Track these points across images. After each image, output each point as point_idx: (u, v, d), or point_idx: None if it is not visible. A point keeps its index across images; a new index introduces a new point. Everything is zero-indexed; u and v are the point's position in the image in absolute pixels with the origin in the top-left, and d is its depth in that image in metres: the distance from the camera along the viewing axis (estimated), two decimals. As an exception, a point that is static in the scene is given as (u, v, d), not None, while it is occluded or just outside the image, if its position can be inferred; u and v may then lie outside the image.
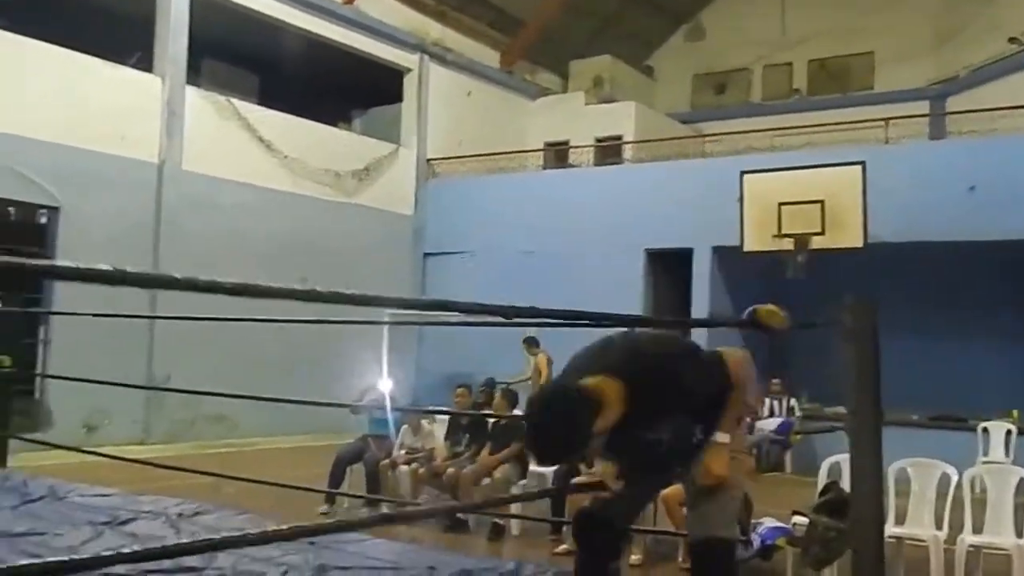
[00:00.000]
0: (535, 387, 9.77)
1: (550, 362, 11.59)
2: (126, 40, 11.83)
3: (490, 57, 17.39)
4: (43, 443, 7.92)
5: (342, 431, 11.62)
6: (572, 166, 16.16)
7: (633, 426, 2.74)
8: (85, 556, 1.94)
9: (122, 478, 7.05)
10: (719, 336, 12.52)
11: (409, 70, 15.53)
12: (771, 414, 10.91)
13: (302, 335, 11.53)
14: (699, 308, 12.55)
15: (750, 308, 3.28)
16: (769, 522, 3.91)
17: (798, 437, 10.22)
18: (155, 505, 5.44)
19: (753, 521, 4.32)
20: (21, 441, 7.38)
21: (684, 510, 5.79)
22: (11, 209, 10.45)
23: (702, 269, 12.76)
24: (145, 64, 11.78)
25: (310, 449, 11.56)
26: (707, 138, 16.08)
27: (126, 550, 4.33)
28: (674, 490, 5.90)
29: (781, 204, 10.69)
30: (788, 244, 10.72)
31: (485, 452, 6.94)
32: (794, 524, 4.35)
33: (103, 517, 5.01)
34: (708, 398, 2.94)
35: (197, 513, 5.27)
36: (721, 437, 2.96)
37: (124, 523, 4.96)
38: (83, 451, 7.25)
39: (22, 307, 8.24)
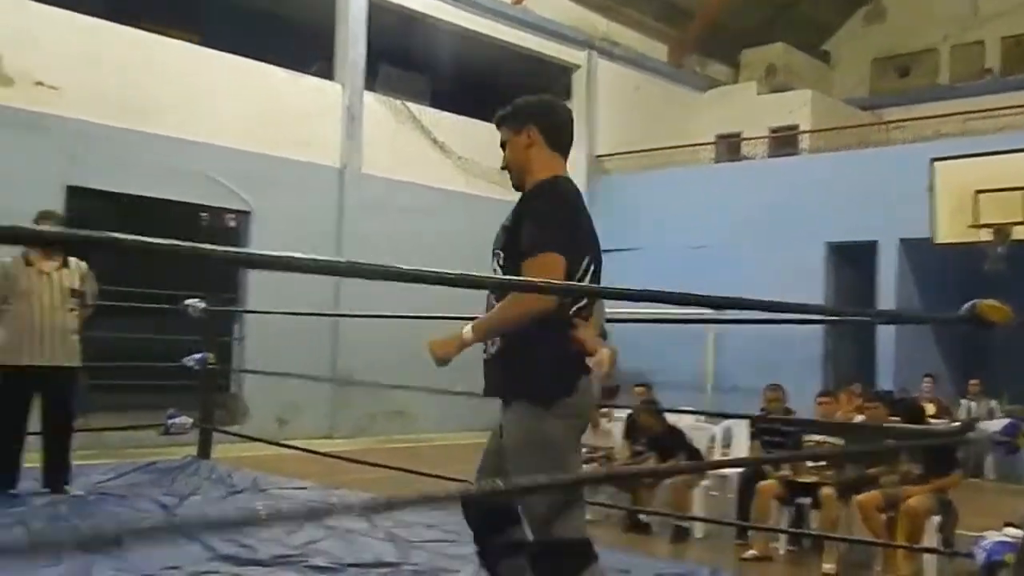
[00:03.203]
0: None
1: (615, 355, 11.55)
2: (307, 49, 12.34)
3: (658, 50, 17.15)
4: (242, 436, 8.39)
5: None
6: (745, 158, 15.72)
7: None
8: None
9: (312, 471, 7.35)
10: (908, 333, 11.96)
11: (577, 67, 15.51)
12: (969, 416, 10.24)
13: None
14: (885, 302, 11.96)
15: (969, 303, 3.05)
16: (994, 536, 3.63)
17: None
18: (347, 498, 5.63)
19: (974, 534, 4.02)
20: (220, 433, 7.83)
21: (883, 516, 5.54)
22: (204, 214, 11.07)
23: (888, 262, 12.15)
24: (325, 71, 12.25)
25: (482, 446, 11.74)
26: (890, 124, 15.28)
27: (326, 543, 4.49)
28: (871, 496, 5.63)
29: (978, 192, 10.00)
30: (986, 235, 10.02)
31: (654, 456, 6.80)
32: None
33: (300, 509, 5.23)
34: None
35: (389, 507, 5.41)
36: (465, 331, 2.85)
37: (322, 515, 5.15)
38: (277, 444, 7.59)
39: (222, 307, 8.70)
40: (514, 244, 2.90)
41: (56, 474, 5.96)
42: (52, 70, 9.50)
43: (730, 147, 16.34)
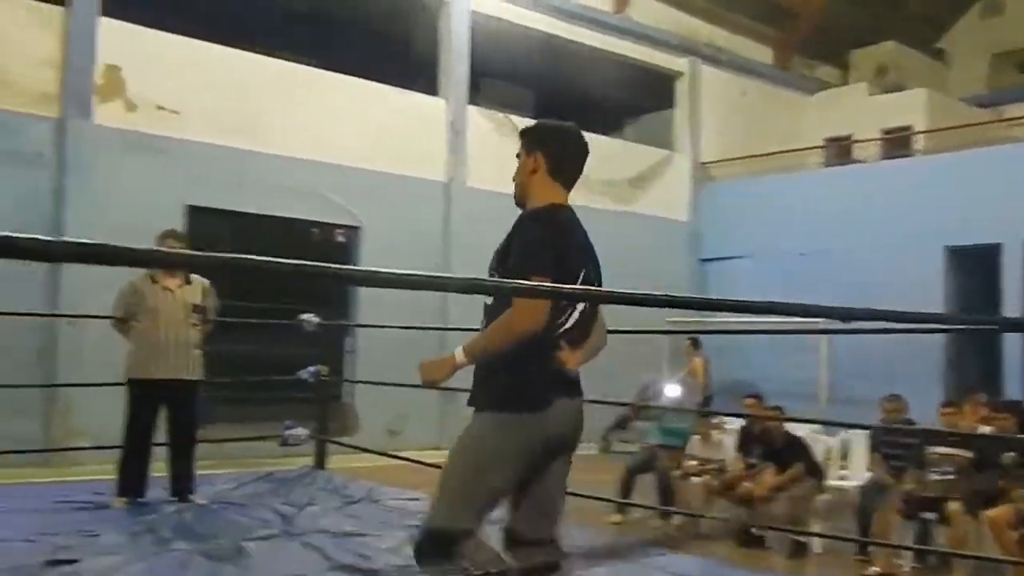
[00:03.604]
0: (693, 389, 9.43)
1: (708, 364, 11.48)
2: (411, 66, 12.54)
3: (763, 54, 16.84)
4: (355, 447, 8.55)
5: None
6: (856, 161, 15.28)
7: None
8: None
9: (422, 480, 7.42)
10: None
11: (680, 74, 15.35)
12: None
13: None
14: (1010, 308, 11.43)
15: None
16: None
17: None
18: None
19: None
20: (334, 444, 8.00)
21: (1015, 533, 5.28)
22: (315, 230, 11.35)
23: (1013, 265, 11.62)
24: (430, 87, 12.43)
25: (588, 457, 11.68)
26: (1011, 121, 14.64)
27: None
28: (1003, 511, 5.37)
29: (1112, 191, 9.50)
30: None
31: (771, 470, 6.63)
32: None
33: (415, 521, 5.28)
34: None
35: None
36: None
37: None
38: (389, 455, 7.71)
39: (334, 321, 8.91)
40: (505, 267, 2.94)
41: (182, 483, 6.20)
42: (173, 95, 9.91)
43: (840, 150, 15.91)
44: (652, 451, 7.50)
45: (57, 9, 9.34)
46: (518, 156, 3.20)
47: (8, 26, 9.04)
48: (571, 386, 2.99)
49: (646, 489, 7.22)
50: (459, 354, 2.88)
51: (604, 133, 14.91)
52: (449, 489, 2.86)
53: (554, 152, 3.14)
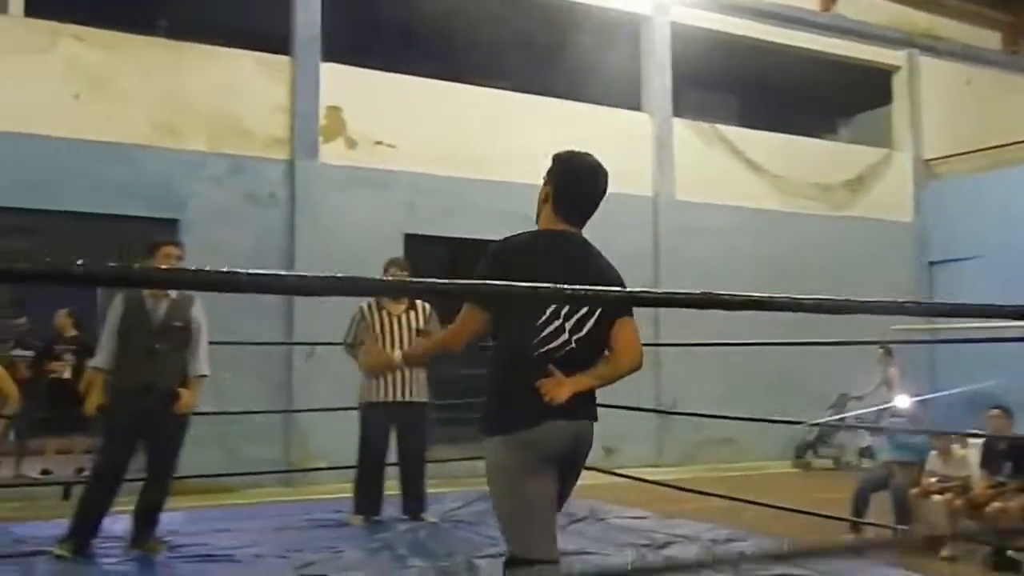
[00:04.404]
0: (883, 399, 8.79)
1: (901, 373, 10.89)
2: (612, 82, 12.58)
3: (989, 39, 15.68)
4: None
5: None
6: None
7: None
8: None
9: (643, 499, 7.37)
10: None
11: (897, 68, 14.55)
12: None
13: (803, 357, 11.31)
14: None
15: None
16: None
17: None
18: (688, 529, 5.58)
19: None
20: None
21: None
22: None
23: None
24: (634, 102, 12.42)
25: (817, 473, 11.22)
26: None
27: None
28: None
29: None
30: None
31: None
32: None
33: (642, 540, 5.25)
34: None
35: (729, 540, 5.31)
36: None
37: (662, 547, 5.15)
38: (610, 472, 7.70)
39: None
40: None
41: (414, 502, 6.46)
42: (388, 130, 10.43)
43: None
44: (888, 467, 7.11)
45: (282, 58, 10.06)
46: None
47: (240, 78, 9.83)
48: (565, 408, 2.93)
49: (880, 508, 6.85)
50: (397, 355, 3.53)
51: (816, 135, 14.38)
52: (500, 518, 3.01)
53: (560, 189, 3.21)
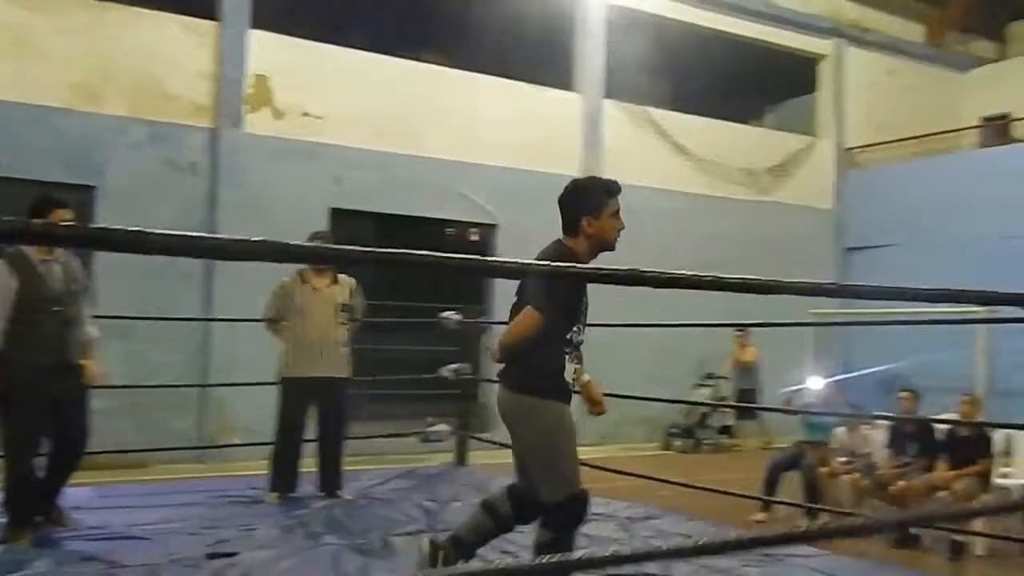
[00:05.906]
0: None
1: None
2: (545, 61, 12.55)
3: (914, 32, 16.04)
4: (493, 442, 8.63)
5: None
6: (1016, 141, 14.39)
7: None
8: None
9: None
10: None
11: (823, 56, 14.82)
12: None
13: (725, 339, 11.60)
14: None
15: None
16: None
17: None
18: (605, 508, 5.64)
19: None
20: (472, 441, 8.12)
21: None
22: (449, 229, 11.49)
23: None
24: (565, 82, 12.41)
25: (734, 454, 11.47)
26: None
27: (583, 552, 4.52)
28: None
29: None
30: None
31: (943, 466, 6.33)
32: None
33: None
34: None
35: (647, 517, 5.39)
36: None
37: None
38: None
39: (475, 318, 9.01)
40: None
41: (330, 479, 6.40)
42: (317, 101, 10.26)
43: (998, 130, 15.01)
44: (799, 447, 7.29)
45: (209, 23, 9.80)
46: None
47: (165, 42, 9.56)
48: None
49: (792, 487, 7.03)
50: (585, 377, 3.98)
51: (744, 121, 14.57)
52: (552, 466, 3.88)
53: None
